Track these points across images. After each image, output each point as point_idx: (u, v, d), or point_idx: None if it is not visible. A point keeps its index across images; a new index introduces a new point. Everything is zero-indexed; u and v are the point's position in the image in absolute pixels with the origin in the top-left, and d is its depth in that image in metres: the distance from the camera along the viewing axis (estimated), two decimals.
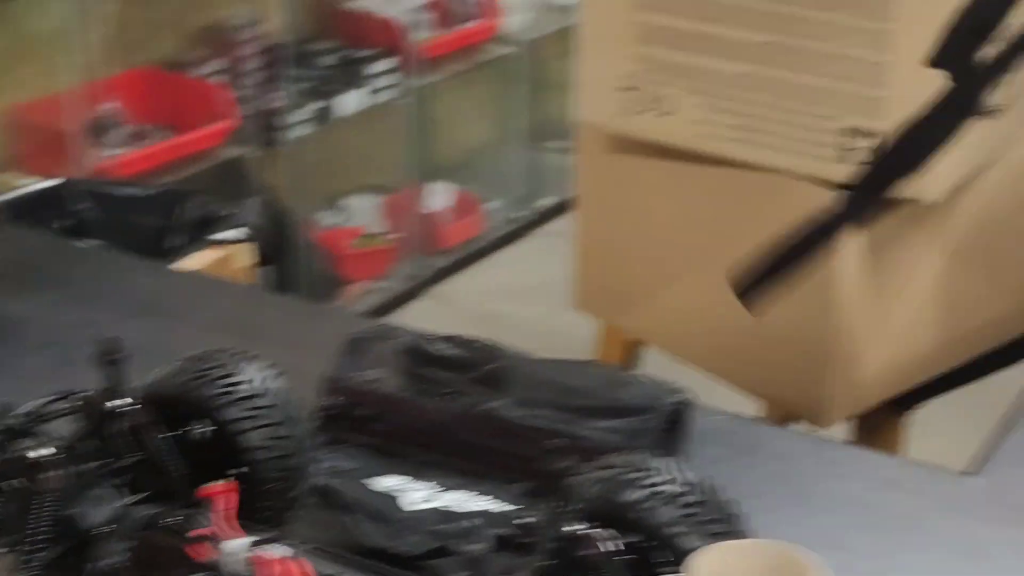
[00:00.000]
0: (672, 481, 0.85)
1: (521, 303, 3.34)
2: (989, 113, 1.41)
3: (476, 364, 1.13)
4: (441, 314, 3.37)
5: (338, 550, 0.85)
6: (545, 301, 3.25)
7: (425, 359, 1.14)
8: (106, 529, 0.84)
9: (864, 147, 1.36)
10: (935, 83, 1.31)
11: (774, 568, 0.72)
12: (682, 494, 0.84)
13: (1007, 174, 1.49)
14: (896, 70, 1.32)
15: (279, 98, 3.05)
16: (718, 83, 1.42)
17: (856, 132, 1.36)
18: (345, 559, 0.84)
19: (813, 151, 1.39)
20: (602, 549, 0.79)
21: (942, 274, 1.49)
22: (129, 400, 0.89)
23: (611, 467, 0.86)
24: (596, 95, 1.51)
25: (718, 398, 1.25)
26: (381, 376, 1.13)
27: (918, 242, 1.46)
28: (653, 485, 0.84)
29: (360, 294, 3.34)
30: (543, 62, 3.70)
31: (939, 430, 2.55)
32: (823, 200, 1.39)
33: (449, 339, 1.16)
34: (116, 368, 0.90)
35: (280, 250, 3.06)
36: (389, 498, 1.04)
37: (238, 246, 1.81)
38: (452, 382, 1.12)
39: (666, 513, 0.83)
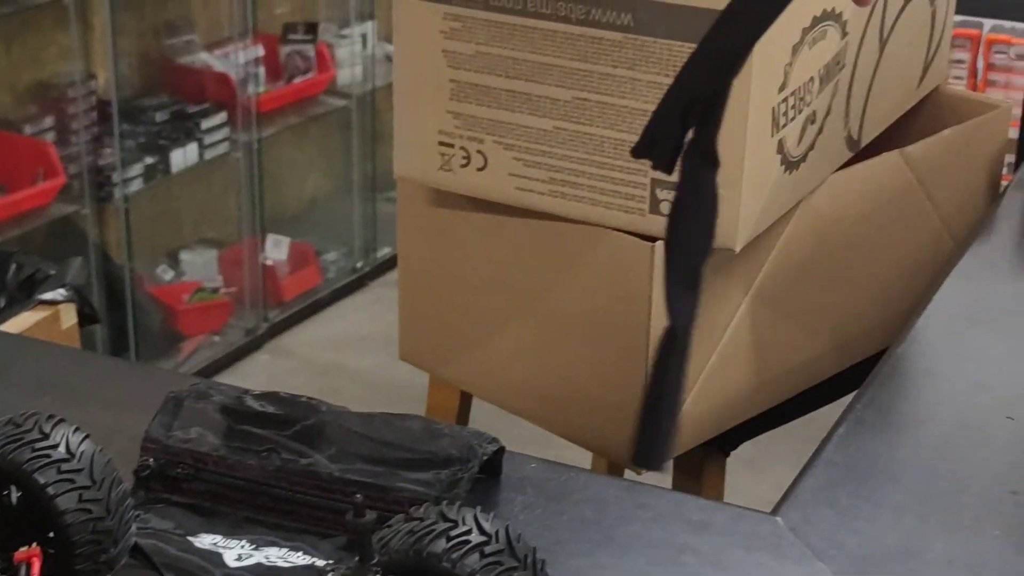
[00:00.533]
0: (475, 531, 0.87)
1: (359, 354, 3.36)
2: (789, 163, 1.47)
3: (293, 420, 1.15)
4: (280, 367, 3.37)
5: None
6: (383, 351, 3.28)
7: (243, 417, 1.15)
8: None
9: (670, 199, 1.40)
10: (733, 137, 1.36)
11: None
12: (485, 543, 0.87)
13: (805, 221, 1.55)
14: None
15: (110, 154, 3.04)
16: (531, 139, 1.46)
17: (661, 184, 1.40)
18: None
19: (624, 203, 1.44)
20: None
21: (750, 319, 1.54)
22: None
23: (416, 519, 0.89)
24: (414, 150, 1.54)
25: (552, 447, 1.28)
26: (198, 435, 1.14)
27: (725, 289, 1.51)
28: (457, 536, 0.87)
29: (196, 349, 3.33)
30: (378, 113, 3.74)
31: (773, 468, 2.63)
32: (635, 251, 1.43)
33: (267, 396, 1.18)
34: None
35: (110, 308, 3.04)
36: (215, 554, 1.05)
37: (63, 306, 1.81)
38: (269, 439, 1.13)
39: (470, 563, 0.85)
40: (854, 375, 1.74)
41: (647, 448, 0.87)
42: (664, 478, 1.66)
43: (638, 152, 0.85)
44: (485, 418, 1.86)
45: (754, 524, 1.15)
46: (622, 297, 1.46)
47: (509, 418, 1.67)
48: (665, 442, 0.87)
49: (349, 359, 3.35)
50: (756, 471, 2.37)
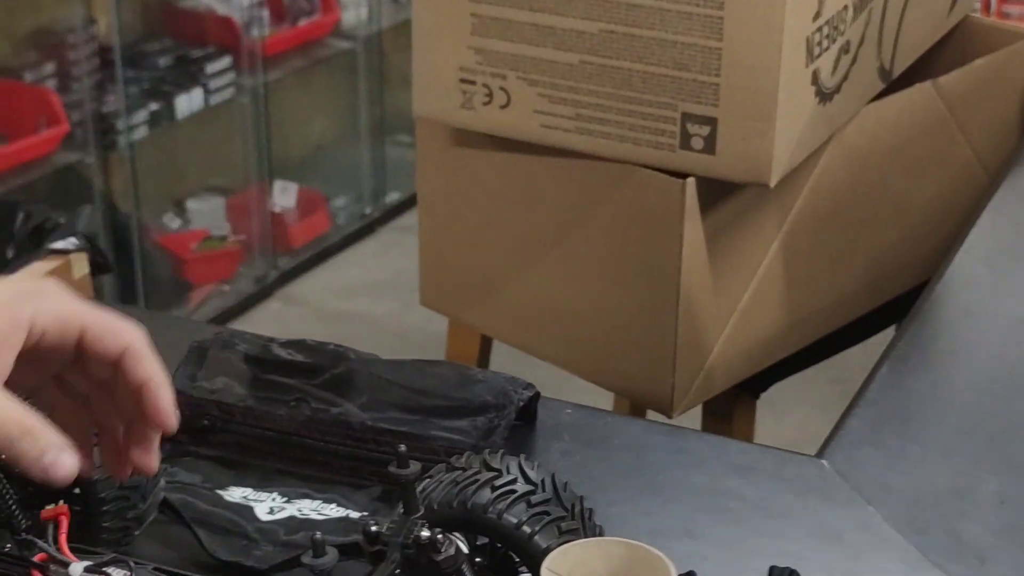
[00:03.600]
0: (520, 479, 0.83)
1: (372, 300, 3.32)
2: (824, 95, 1.42)
3: (321, 369, 1.11)
4: (291, 315, 3.33)
5: (180, 570, 0.82)
6: (395, 298, 3.24)
7: (269, 365, 1.12)
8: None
9: (701, 134, 1.36)
10: (767, 68, 1.32)
11: (625, 565, 0.71)
12: (531, 492, 0.83)
13: (838, 154, 1.51)
14: (729, 56, 1.32)
15: (114, 101, 2.99)
16: (556, 74, 1.42)
17: (693, 119, 1.36)
18: None
19: (653, 139, 1.39)
20: (450, 553, 0.77)
21: (783, 257, 1.50)
22: None
23: (458, 469, 0.85)
24: (434, 89, 1.49)
25: (571, 391, 1.25)
26: (223, 385, 1.10)
27: (758, 227, 1.47)
28: (502, 485, 0.83)
29: (206, 298, 3.29)
30: (384, 56, 3.68)
31: (794, 411, 2.60)
32: (665, 188, 1.39)
33: (293, 344, 1.14)
34: None
35: (117, 258, 3.00)
36: (246, 508, 1.02)
37: (74, 255, 1.76)
38: (297, 388, 1.09)
39: (516, 513, 0.82)
40: (885, 313, 1.71)
41: None
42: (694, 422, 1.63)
43: None
44: (506, 367, 1.82)
45: (799, 467, 1.11)
46: (651, 236, 1.41)
47: (530, 364, 1.63)
48: None
49: (361, 306, 3.31)
50: (777, 412, 2.33)
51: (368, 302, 3.31)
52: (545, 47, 1.41)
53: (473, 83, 1.46)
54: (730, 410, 1.66)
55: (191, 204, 3.39)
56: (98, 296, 2.90)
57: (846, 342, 1.71)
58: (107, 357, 0.75)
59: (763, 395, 1.70)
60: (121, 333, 0.75)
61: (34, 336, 0.73)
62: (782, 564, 0.90)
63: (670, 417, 1.47)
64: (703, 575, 0.89)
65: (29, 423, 0.71)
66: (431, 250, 1.63)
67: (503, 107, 1.46)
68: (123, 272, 3.06)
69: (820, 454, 1.13)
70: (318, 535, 0.73)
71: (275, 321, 3.28)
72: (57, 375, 0.79)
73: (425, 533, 0.78)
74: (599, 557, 0.71)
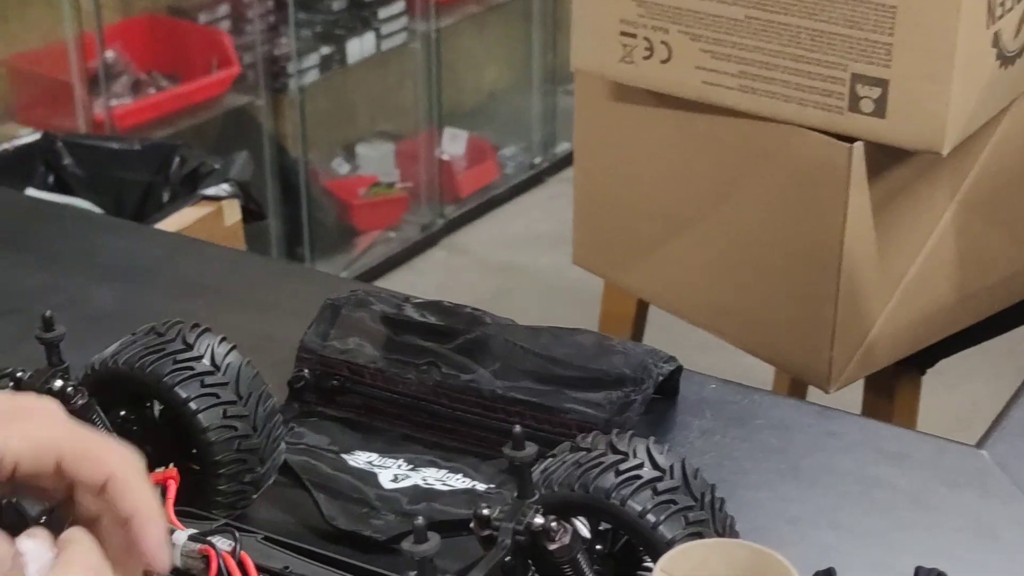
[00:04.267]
0: (647, 464, 0.78)
1: (536, 253, 3.28)
2: (1005, 58, 1.34)
3: (456, 332, 1.07)
4: (454, 265, 3.31)
5: (290, 540, 0.79)
6: (560, 251, 3.18)
7: (403, 326, 1.08)
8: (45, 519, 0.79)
9: (871, 96, 1.29)
10: (944, 27, 1.24)
11: (748, 570, 0.66)
12: (657, 479, 0.78)
13: (1019, 121, 1.42)
14: (904, 14, 1.25)
15: (286, 44, 2.99)
16: (720, 29, 1.35)
17: (863, 80, 1.28)
18: (297, 548, 0.78)
19: (821, 100, 1.32)
20: (564, 543, 0.73)
21: (955, 228, 1.42)
22: (67, 382, 0.83)
23: (582, 450, 0.80)
24: (594, 41, 1.44)
25: (724, 361, 1.19)
26: (355, 345, 1.07)
27: (929, 196, 1.39)
28: (627, 470, 0.78)
29: (371, 245, 3.29)
30: (559, 2, 3.62)
31: (964, 384, 2.50)
32: (831, 152, 1.32)
33: (429, 305, 1.10)
34: (51, 347, 0.84)
35: (284, 202, 3.01)
36: (369, 474, 0.99)
37: (226, 202, 1.76)
38: (430, 351, 1.06)
39: (640, 501, 0.77)
40: None
41: None
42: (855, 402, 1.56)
43: None
44: (663, 327, 1.77)
45: (957, 457, 1.04)
46: (815, 202, 1.35)
47: (682, 329, 1.58)
48: None
49: (525, 258, 3.27)
50: (948, 386, 2.24)
51: (532, 254, 3.28)
52: (714, 1, 1.35)
53: (634, 36, 1.41)
54: (893, 386, 1.58)
55: (360, 149, 3.38)
56: (262, 241, 2.92)
57: (1021, 319, 1.61)
58: (88, 487, 0.66)
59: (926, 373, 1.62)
60: (103, 460, 0.66)
61: (6, 467, 0.65)
62: (931, 563, 0.84)
63: (827, 391, 1.40)
64: (844, 573, 0.83)
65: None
66: (585, 208, 1.58)
67: (664, 62, 1.40)
68: (289, 217, 3.07)
69: (980, 444, 1.05)
70: (420, 521, 0.69)
71: (438, 270, 3.26)
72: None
73: (539, 520, 0.73)
74: (721, 560, 0.66)
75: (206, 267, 1.31)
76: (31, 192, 1.97)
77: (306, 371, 1.07)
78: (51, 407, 0.66)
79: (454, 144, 3.50)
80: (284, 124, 3.04)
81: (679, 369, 1.07)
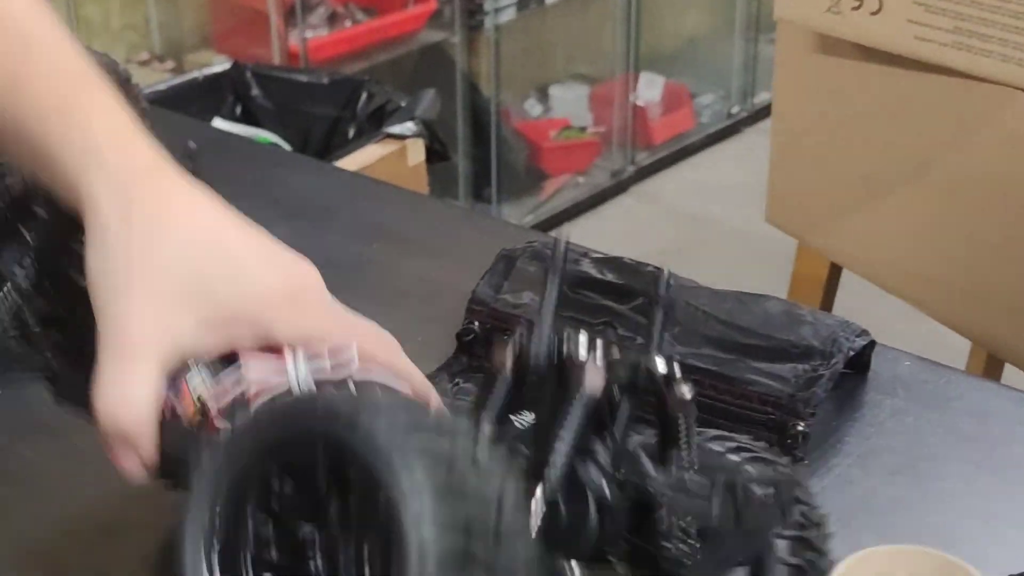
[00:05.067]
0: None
1: (728, 205, 3.20)
2: None
3: (636, 292, 1.01)
4: (642, 213, 3.25)
5: None
6: (753, 204, 3.09)
7: (580, 282, 1.03)
8: None
9: None
10: None
11: None
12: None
13: None
14: None
15: None
16: None
17: None
18: None
19: None
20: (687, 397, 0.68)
21: None
22: None
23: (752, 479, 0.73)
24: None
25: (916, 329, 1.12)
26: (529, 300, 1.02)
27: None
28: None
29: (559, 189, 3.24)
30: None
31: None
32: None
33: (609, 261, 1.05)
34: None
35: (474, 142, 2.98)
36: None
37: (411, 141, 1.72)
38: (607, 310, 1.00)
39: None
40: None
41: None
42: None
43: None
44: (856, 292, 1.69)
45: None
46: None
47: (876, 298, 1.50)
48: None
49: (716, 210, 3.19)
50: None
51: (723, 207, 3.19)
52: None
53: None
54: None
55: (554, 91, 3.33)
56: (450, 181, 2.89)
57: None
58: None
59: None
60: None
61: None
62: None
63: None
64: None
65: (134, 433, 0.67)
66: (782, 165, 1.51)
67: (874, 13, 1.32)
68: (478, 157, 3.04)
69: None
70: None
71: (626, 218, 3.20)
72: None
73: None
74: (904, 567, 0.60)
75: (385, 209, 1.28)
76: (218, 122, 1.96)
77: (476, 324, 1.03)
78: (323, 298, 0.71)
79: (650, 89, 3.42)
80: (478, 63, 3.00)
81: (872, 344, 1.00)
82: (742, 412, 0.94)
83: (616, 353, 0.70)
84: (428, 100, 1.81)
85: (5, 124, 0.71)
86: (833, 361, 0.96)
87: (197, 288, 0.68)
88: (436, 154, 1.79)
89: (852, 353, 0.97)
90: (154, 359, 0.67)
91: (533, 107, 3.31)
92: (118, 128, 0.72)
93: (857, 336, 0.98)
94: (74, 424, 0.76)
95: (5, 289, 0.75)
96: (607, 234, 3.01)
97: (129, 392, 0.67)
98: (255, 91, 2.04)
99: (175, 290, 0.68)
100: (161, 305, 0.67)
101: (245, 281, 0.69)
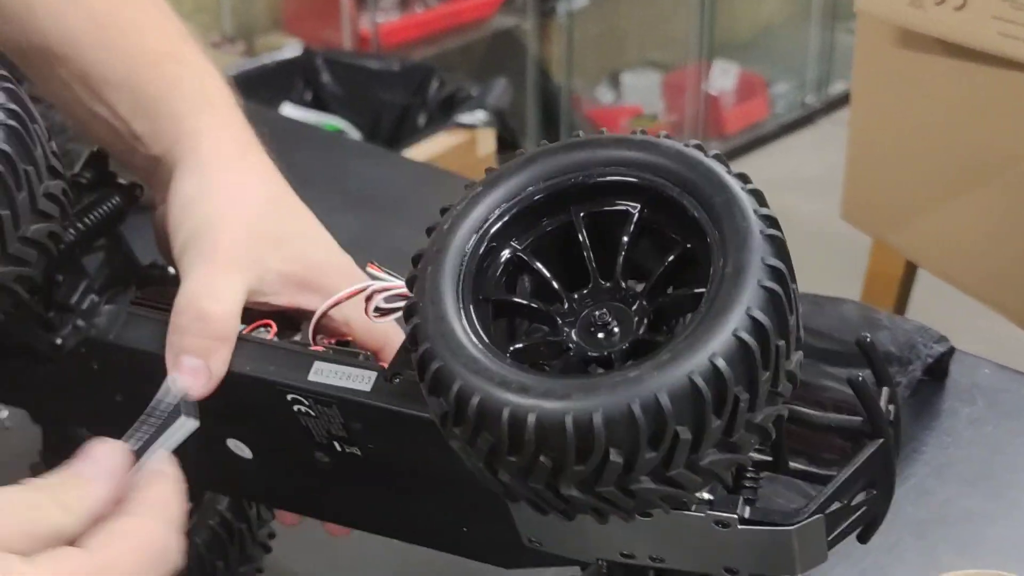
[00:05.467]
0: None
1: (802, 197, 3.15)
2: None
3: None
4: None
5: None
6: (829, 196, 3.05)
7: None
8: None
9: None
10: None
11: None
12: None
13: None
14: None
15: None
16: None
17: None
18: None
19: None
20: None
21: None
22: None
23: None
24: None
25: (994, 330, 1.09)
26: None
27: None
28: None
29: None
30: None
31: None
32: None
33: None
34: None
35: (543, 129, 2.96)
36: None
37: (481, 130, 1.71)
38: None
39: None
40: None
41: None
42: None
43: None
44: (932, 291, 1.66)
45: None
46: None
47: (957, 293, 1.47)
48: None
49: (789, 202, 3.15)
50: None
51: (796, 199, 3.15)
52: None
53: None
54: None
55: (626, 78, 3.30)
56: None
57: None
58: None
59: None
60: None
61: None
62: None
63: None
64: None
65: (204, 312, 0.66)
66: (859, 161, 1.48)
67: (958, 9, 1.29)
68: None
69: None
70: None
71: None
72: None
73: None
74: None
75: (453, 200, 1.26)
76: (288, 107, 1.96)
77: None
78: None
79: (724, 78, 3.39)
80: (550, 49, 2.98)
81: (951, 351, 0.98)
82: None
83: None
84: (500, 89, 1.79)
85: (95, 70, 0.73)
86: (911, 368, 0.93)
87: (284, 241, 0.70)
88: (506, 143, 1.78)
89: (930, 360, 0.95)
90: (243, 274, 0.68)
91: (605, 94, 3.28)
92: (222, 85, 0.75)
93: (935, 342, 0.96)
94: None
95: None
96: None
97: (219, 289, 0.66)
98: (325, 77, 2.03)
99: (265, 233, 0.69)
100: (251, 241, 0.69)
101: (324, 251, 0.72)
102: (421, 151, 1.69)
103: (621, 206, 0.58)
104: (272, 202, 0.72)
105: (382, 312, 0.64)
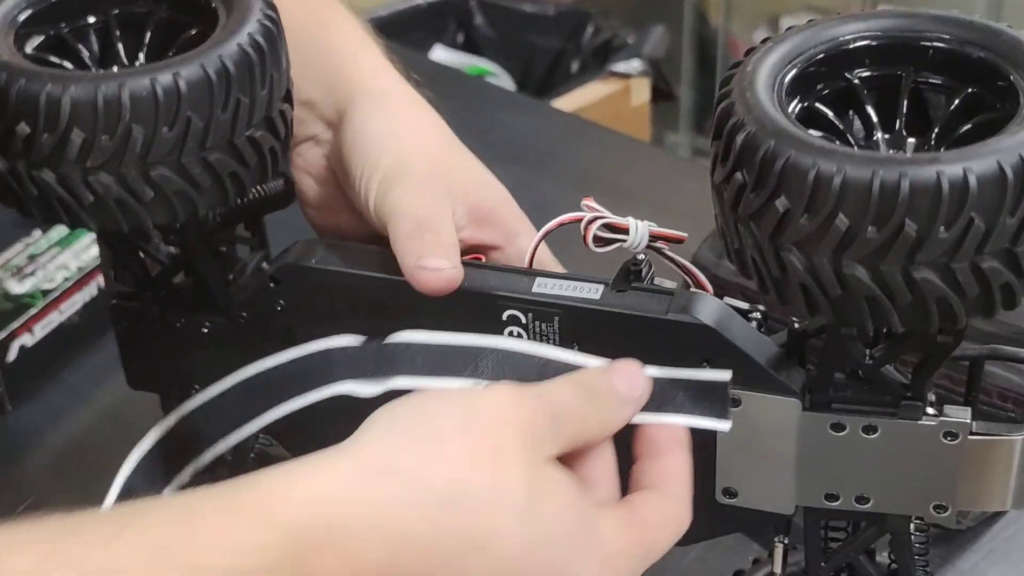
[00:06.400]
0: None
1: None
2: None
3: None
4: None
5: None
6: None
7: None
8: None
9: None
10: None
11: None
12: None
13: None
14: None
15: None
16: None
17: None
18: None
19: None
20: None
21: None
22: None
23: None
24: None
25: None
26: None
27: None
28: None
29: None
30: None
31: None
32: None
33: None
34: None
35: (699, 75, 2.89)
36: None
37: (635, 80, 1.66)
38: None
39: None
40: None
41: None
42: None
43: None
44: None
45: None
46: None
47: None
48: None
49: None
50: None
51: None
52: None
53: None
54: None
55: (786, 22, 3.21)
56: (670, 117, 2.81)
57: None
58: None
59: None
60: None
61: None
62: None
63: None
64: None
65: (429, 222, 0.67)
66: None
67: None
68: (703, 89, 2.94)
69: None
70: None
71: None
72: None
73: None
74: None
75: (604, 156, 1.22)
76: (439, 50, 1.93)
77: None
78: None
79: None
80: None
81: None
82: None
83: None
84: (656, 38, 1.74)
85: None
86: None
87: (463, 179, 0.73)
88: (661, 93, 1.72)
89: None
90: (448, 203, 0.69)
91: (763, 38, 3.20)
92: (366, 28, 0.80)
93: None
94: None
95: None
96: None
97: (440, 208, 0.68)
98: (478, 20, 1.99)
99: (450, 170, 0.72)
100: (441, 176, 0.71)
101: (494, 190, 0.75)
102: (573, 99, 1.65)
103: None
104: (449, 142, 0.75)
105: (601, 242, 0.67)
